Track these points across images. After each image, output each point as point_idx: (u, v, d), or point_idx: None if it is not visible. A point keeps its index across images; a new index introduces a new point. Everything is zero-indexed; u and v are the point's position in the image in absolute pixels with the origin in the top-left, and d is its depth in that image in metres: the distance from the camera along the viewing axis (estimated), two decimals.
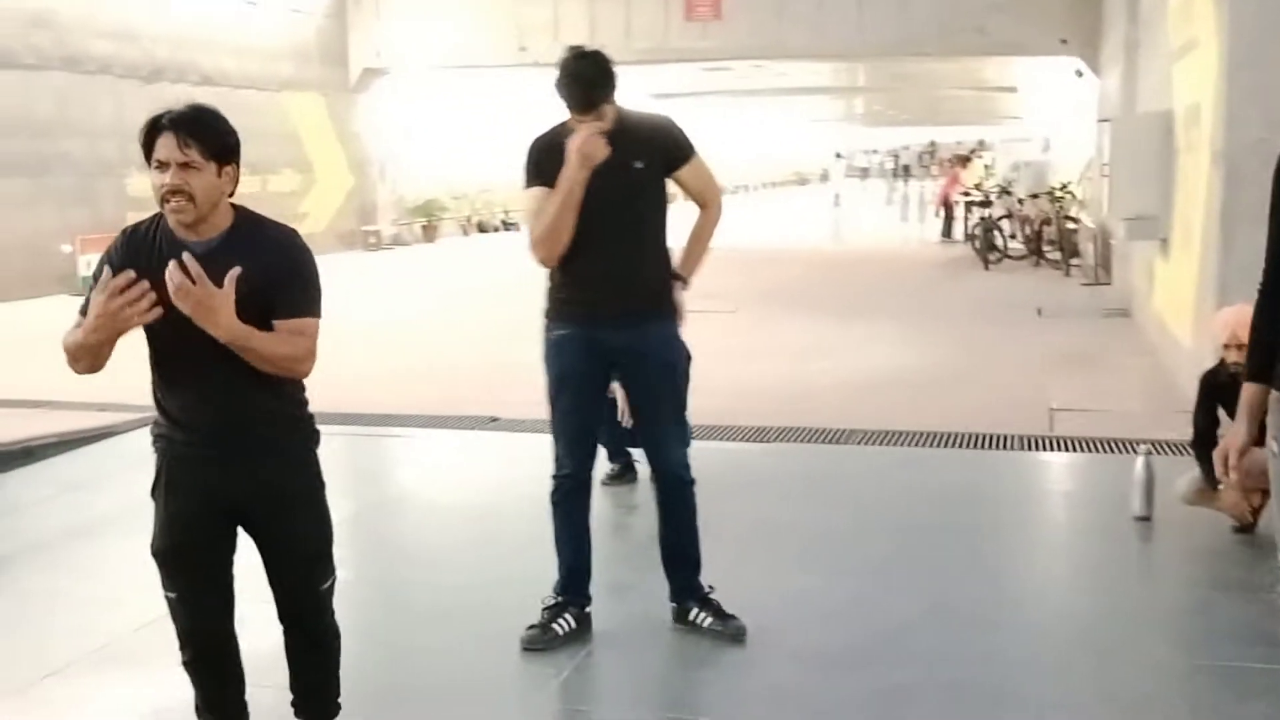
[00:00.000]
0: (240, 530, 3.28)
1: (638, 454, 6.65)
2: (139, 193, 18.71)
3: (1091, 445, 7.23)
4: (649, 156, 4.20)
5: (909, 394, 9.35)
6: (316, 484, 3.31)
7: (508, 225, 30.44)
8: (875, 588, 5.04)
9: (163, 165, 2.99)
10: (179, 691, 3.51)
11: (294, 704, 3.49)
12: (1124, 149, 10.18)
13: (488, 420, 8.37)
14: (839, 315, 13.81)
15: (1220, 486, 5.32)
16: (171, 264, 2.91)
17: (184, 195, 2.99)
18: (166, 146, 3.00)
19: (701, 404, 7.57)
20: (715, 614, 4.47)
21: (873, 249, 24.76)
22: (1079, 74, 20.17)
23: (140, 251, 3.05)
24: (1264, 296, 3.18)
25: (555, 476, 4.49)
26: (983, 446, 7.45)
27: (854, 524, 5.90)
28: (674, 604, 4.57)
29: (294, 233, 3.29)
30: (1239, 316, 5.49)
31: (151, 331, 3.04)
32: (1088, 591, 5.10)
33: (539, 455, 7.26)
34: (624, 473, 6.66)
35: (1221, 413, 5.44)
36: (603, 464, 6.53)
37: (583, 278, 4.23)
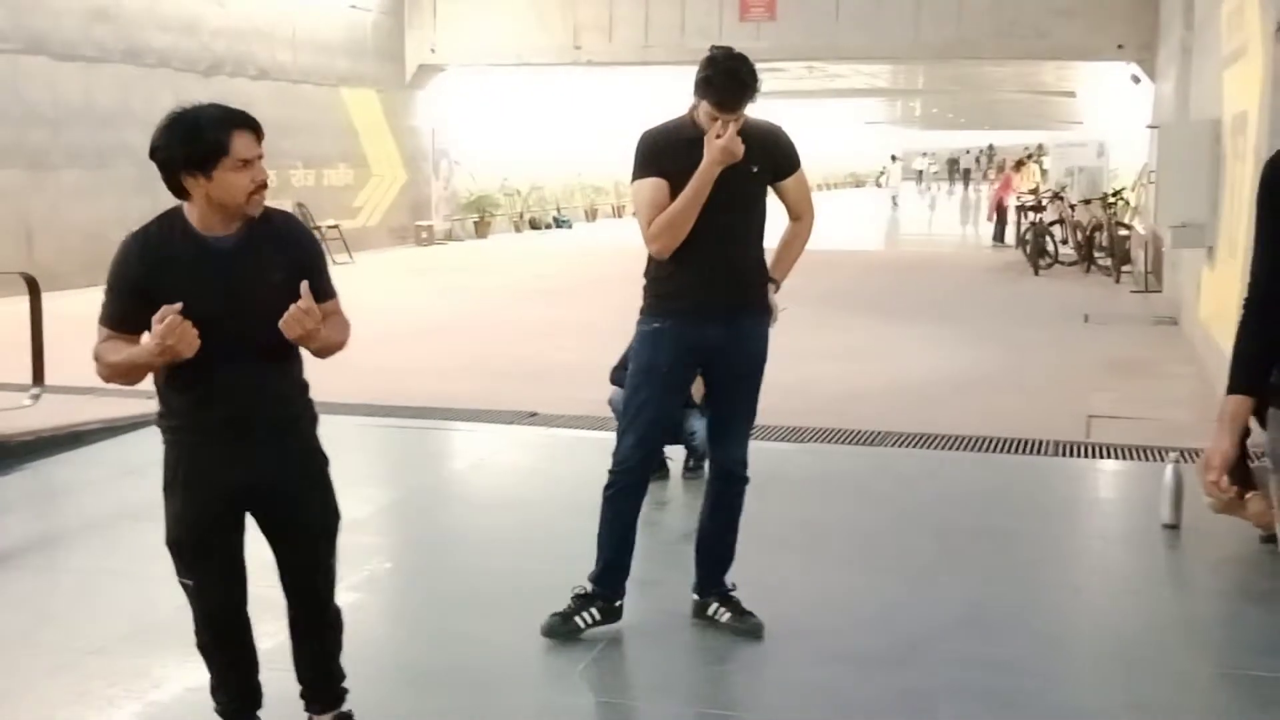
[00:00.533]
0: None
1: (671, 451, 6.75)
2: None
3: (1126, 453, 7.21)
4: (763, 162, 4.29)
5: (951, 397, 9.35)
6: (324, 463, 3.42)
7: (559, 223, 30.61)
8: (907, 590, 5.07)
9: (248, 162, 3.10)
10: None
11: (304, 694, 3.57)
12: (1172, 155, 10.12)
13: (527, 415, 8.47)
14: (889, 317, 13.80)
15: (1248, 496, 5.31)
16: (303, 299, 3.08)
17: (264, 189, 3.17)
18: (249, 144, 3.12)
19: (778, 404, 7.67)
20: (734, 610, 4.52)
21: (927, 252, 24.70)
22: (1135, 80, 20.01)
23: (164, 253, 3.14)
24: (1250, 308, 3.14)
25: (616, 471, 4.47)
26: (1019, 451, 7.46)
27: (890, 526, 5.94)
28: (695, 596, 4.63)
29: (295, 217, 3.43)
30: None
31: None
32: (1115, 598, 5.11)
33: (577, 451, 7.47)
34: (657, 469, 6.71)
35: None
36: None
37: (691, 273, 4.28)
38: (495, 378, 10.18)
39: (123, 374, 3.14)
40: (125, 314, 3.14)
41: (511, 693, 4.10)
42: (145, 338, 3.04)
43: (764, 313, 4.43)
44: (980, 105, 47.64)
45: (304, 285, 3.10)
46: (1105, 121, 27.31)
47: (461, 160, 25.97)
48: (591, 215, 33.77)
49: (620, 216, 35.78)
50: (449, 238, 25.19)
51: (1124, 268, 17.32)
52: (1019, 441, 7.63)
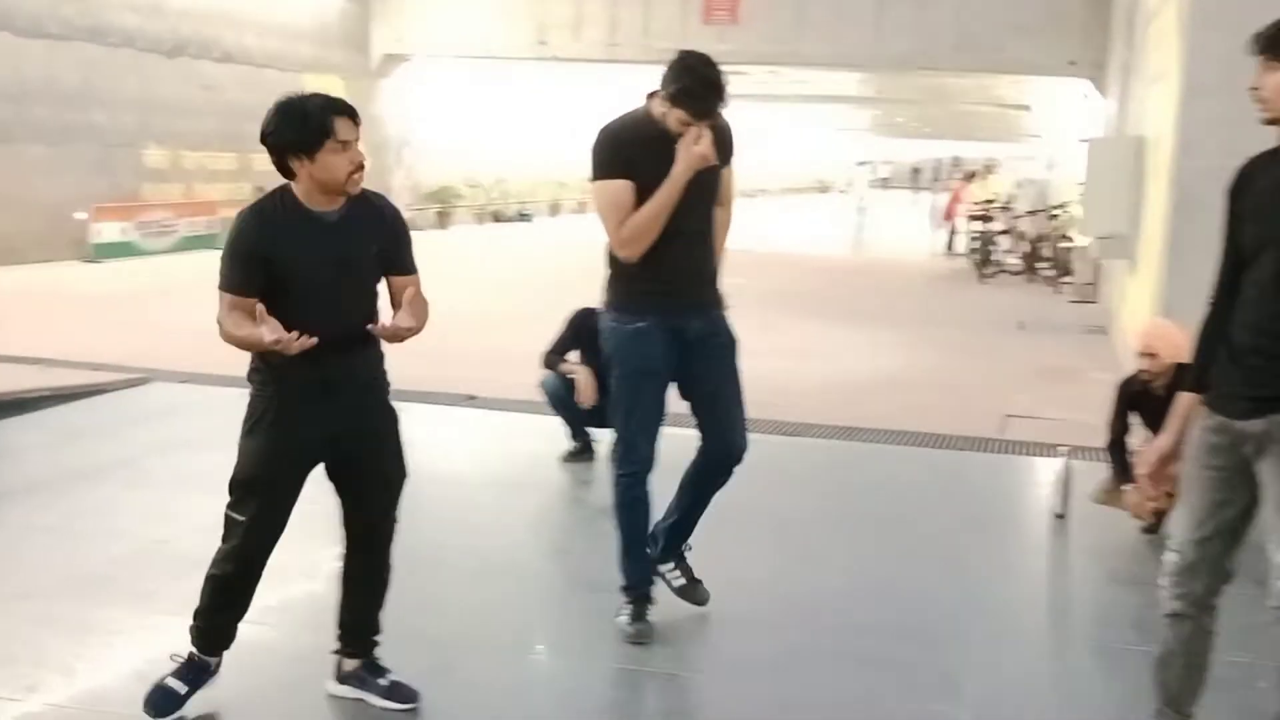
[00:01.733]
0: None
1: (596, 434, 7.06)
2: (156, 164, 19.19)
3: (1030, 449, 7.59)
4: (721, 156, 4.34)
5: (883, 394, 9.71)
6: (397, 419, 3.77)
7: (522, 216, 30.83)
8: (809, 566, 5.41)
9: (348, 144, 3.41)
10: (158, 614, 3.88)
11: (341, 638, 3.88)
12: (1099, 170, 10.50)
13: (466, 398, 8.76)
14: (835, 319, 14.14)
15: (1125, 488, 5.67)
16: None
17: (362, 170, 3.48)
18: (347, 128, 3.43)
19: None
20: (687, 576, 4.71)
21: (881, 258, 25.10)
22: (1086, 96, 20.46)
23: (279, 224, 3.47)
24: (1213, 310, 3.35)
25: (630, 473, 4.44)
26: (937, 447, 7.81)
27: (803, 510, 6.28)
28: (659, 564, 4.72)
29: (387, 197, 3.75)
30: (1153, 329, 5.86)
31: (285, 297, 3.45)
32: (1000, 579, 5.44)
33: (512, 432, 7.78)
34: (583, 451, 7.02)
35: (1135, 418, 5.81)
36: (562, 442, 6.96)
37: (667, 270, 4.27)
38: (440, 363, 10.40)
39: (241, 345, 3.45)
40: (247, 279, 3.45)
41: (469, 653, 4.40)
42: (263, 329, 3.32)
43: (724, 302, 4.52)
44: (944, 116, 48.12)
45: (379, 327, 3.50)
46: (1059, 136, 27.83)
47: (425, 150, 26.16)
48: (555, 210, 34.01)
49: (584, 212, 36.07)
50: (412, 226, 25.36)
51: (1065, 278, 17.75)
52: (938, 437, 7.98)
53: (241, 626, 3.84)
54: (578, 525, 6.12)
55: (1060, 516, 6.08)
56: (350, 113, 3.46)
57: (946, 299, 17.24)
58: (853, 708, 4.03)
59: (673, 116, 4.14)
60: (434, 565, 5.24)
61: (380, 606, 3.89)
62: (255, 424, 3.59)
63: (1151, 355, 5.66)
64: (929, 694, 4.09)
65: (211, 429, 7.59)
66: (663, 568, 4.71)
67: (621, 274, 4.35)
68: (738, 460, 4.50)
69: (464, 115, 28.20)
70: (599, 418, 6.97)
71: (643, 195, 4.17)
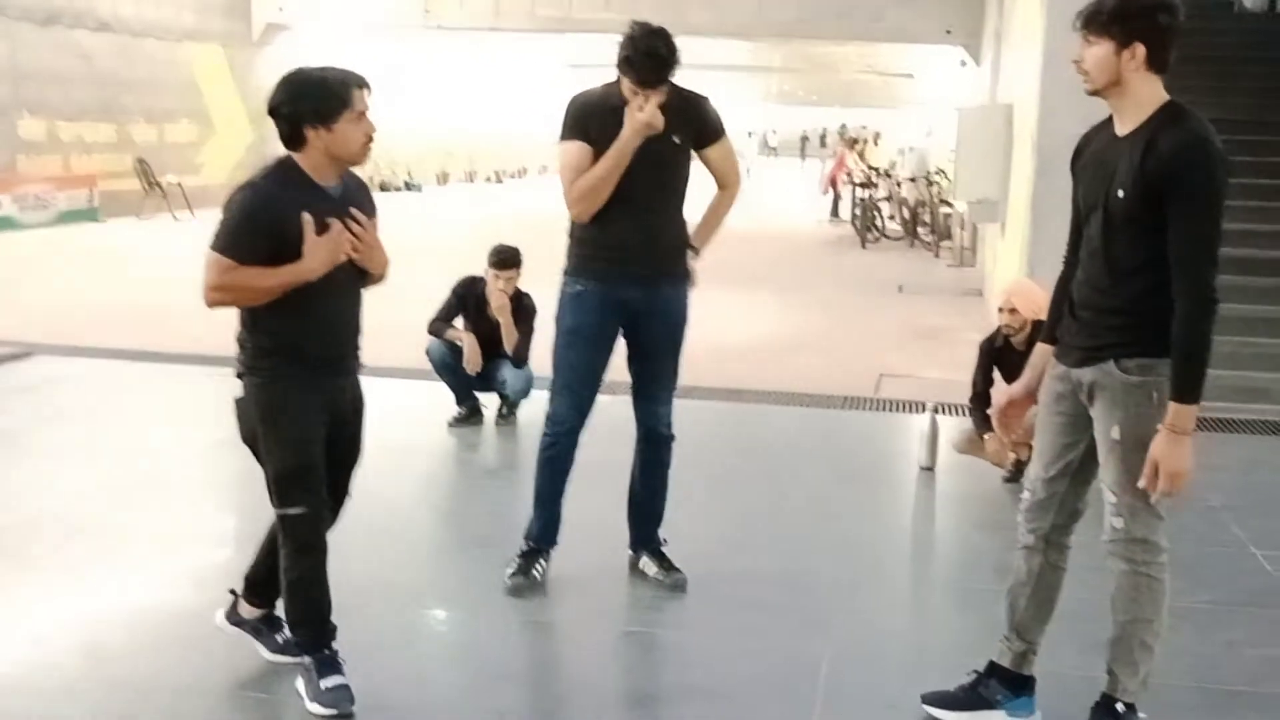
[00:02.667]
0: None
1: (483, 399, 7.20)
2: (30, 135, 18.75)
3: (902, 406, 7.89)
4: (684, 132, 4.38)
5: (765, 357, 9.98)
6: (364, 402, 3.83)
7: (409, 186, 30.64)
8: (684, 519, 5.60)
9: (363, 115, 3.49)
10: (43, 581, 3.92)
11: (251, 590, 3.91)
12: (969, 136, 10.85)
13: None
14: (721, 286, 14.25)
15: (985, 436, 5.97)
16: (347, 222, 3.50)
17: (372, 141, 3.54)
18: (362, 98, 3.50)
19: None
20: (661, 564, 4.74)
21: (769, 225, 25.41)
22: (963, 63, 20.92)
23: (292, 196, 3.46)
24: (1065, 269, 3.59)
25: (550, 432, 4.61)
26: (814, 406, 8.08)
27: (681, 466, 6.45)
28: (630, 552, 4.85)
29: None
30: (1014, 287, 6.16)
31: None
32: (868, 527, 5.69)
33: (400, 400, 7.87)
34: (470, 415, 7.15)
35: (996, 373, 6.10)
36: (451, 408, 7.09)
37: (611, 237, 4.39)
38: None
39: (269, 294, 3.44)
40: (255, 248, 3.41)
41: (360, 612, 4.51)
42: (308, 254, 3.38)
43: (684, 279, 4.56)
44: (831, 84, 48.70)
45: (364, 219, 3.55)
46: (940, 103, 28.38)
47: None
48: (443, 180, 33.84)
49: (472, 181, 35.94)
50: None
51: (944, 243, 18.22)
52: (817, 396, 8.25)
53: (166, 596, 3.87)
54: (466, 487, 6.28)
55: (928, 468, 6.37)
56: (365, 84, 3.52)
57: (830, 264, 17.61)
58: (724, 649, 4.23)
59: (624, 85, 4.27)
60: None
61: None
62: (278, 415, 3.55)
63: (1012, 311, 5.95)
64: (797, 634, 4.32)
65: (94, 401, 7.59)
66: (639, 563, 4.80)
67: (574, 238, 4.51)
68: (661, 431, 4.68)
69: None
70: (486, 383, 7.12)
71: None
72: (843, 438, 7.41)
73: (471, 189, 33.53)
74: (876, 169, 23.17)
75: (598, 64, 35.44)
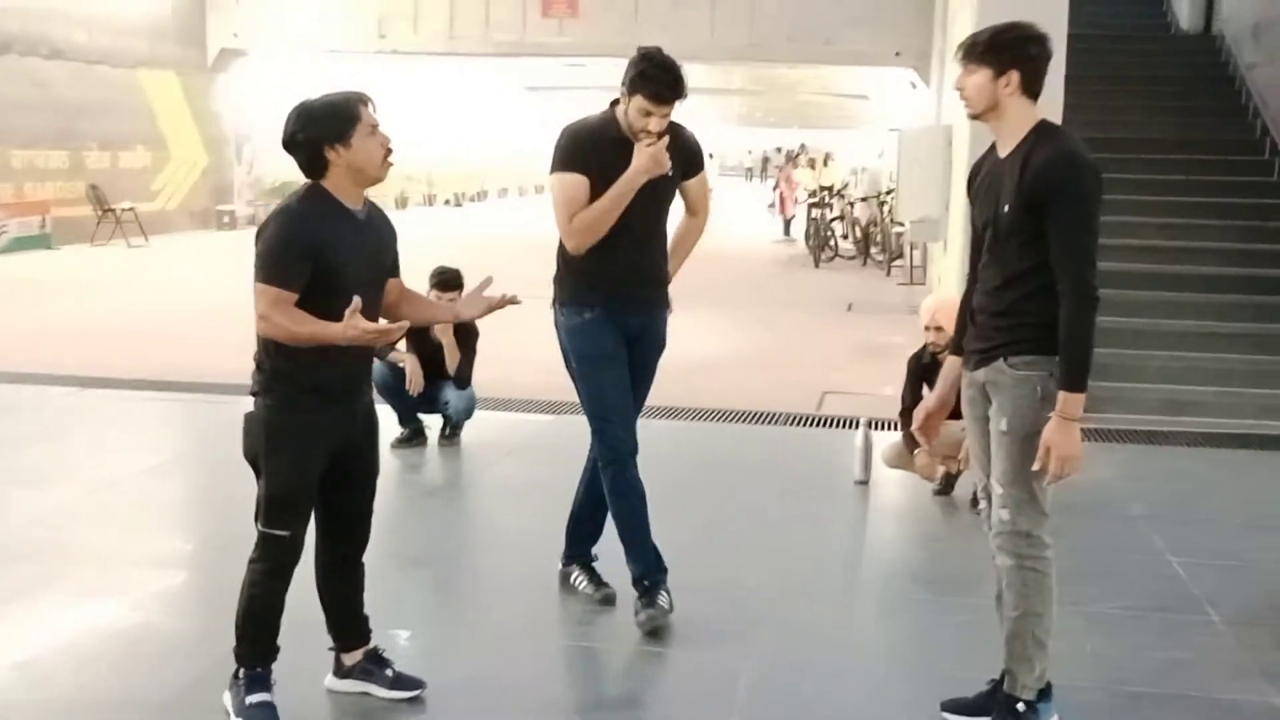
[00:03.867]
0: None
1: (426, 420, 7.29)
2: None
3: (843, 422, 8.04)
4: (677, 165, 4.44)
5: (713, 374, 10.10)
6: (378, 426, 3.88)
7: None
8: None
9: (375, 128, 3.54)
10: None
11: (337, 636, 3.95)
12: (911, 157, 11.05)
13: None
14: (675, 304, 14.50)
15: (915, 451, 6.11)
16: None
17: (391, 153, 3.59)
18: (370, 112, 3.55)
19: (530, 380, 8.26)
20: (592, 579, 4.81)
21: (724, 245, 25.58)
22: (913, 85, 21.20)
23: (326, 220, 3.51)
24: (968, 284, 3.81)
25: (613, 460, 4.55)
26: (757, 422, 8.23)
27: None
28: (562, 567, 4.91)
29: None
30: (937, 303, 6.31)
31: (327, 295, 3.45)
32: (805, 539, 5.82)
33: None
34: (413, 437, 7.24)
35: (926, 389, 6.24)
36: (394, 429, 7.17)
37: (615, 266, 4.42)
38: None
39: (300, 341, 3.46)
40: (298, 274, 3.44)
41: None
42: (351, 322, 3.34)
43: (666, 305, 4.67)
44: (789, 107, 49.07)
45: (356, 304, 3.39)
46: (894, 123, 28.66)
47: (266, 145, 25.86)
48: (402, 204, 33.86)
49: (431, 204, 35.97)
50: (252, 223, 25.08)
51: (895, 262, 18.43)
52: (761, 414, 8.40)
53: (131, 617, 3.95)
54: (406, 508, 6.34)
55: (862, 482, 6.51)
56: (369, 100, 3.57)
57: (782, 283, 17.79)
58: (649, 660, 4.35)
59: (633, 107, 4.26)
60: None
61: (363, 591, 3.96)
62: (282, 437, 3.59)
63: (938, 329, 6.10)
64: (727, 644, 4.44)
65: (43, 427, 7.63)
66: (571, 578, 4.86)
67: (570, 270, 4.50)
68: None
69: None
70: (429, 404, 7.22)
71: (597, 193, 4.32)
72: (784, 454, 7.55)
73: (431, 212, 33.58)
74: (829, 188, 23.40)
75: (554, 86, 35.34)
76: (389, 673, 3.94)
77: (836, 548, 5.85)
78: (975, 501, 6.06)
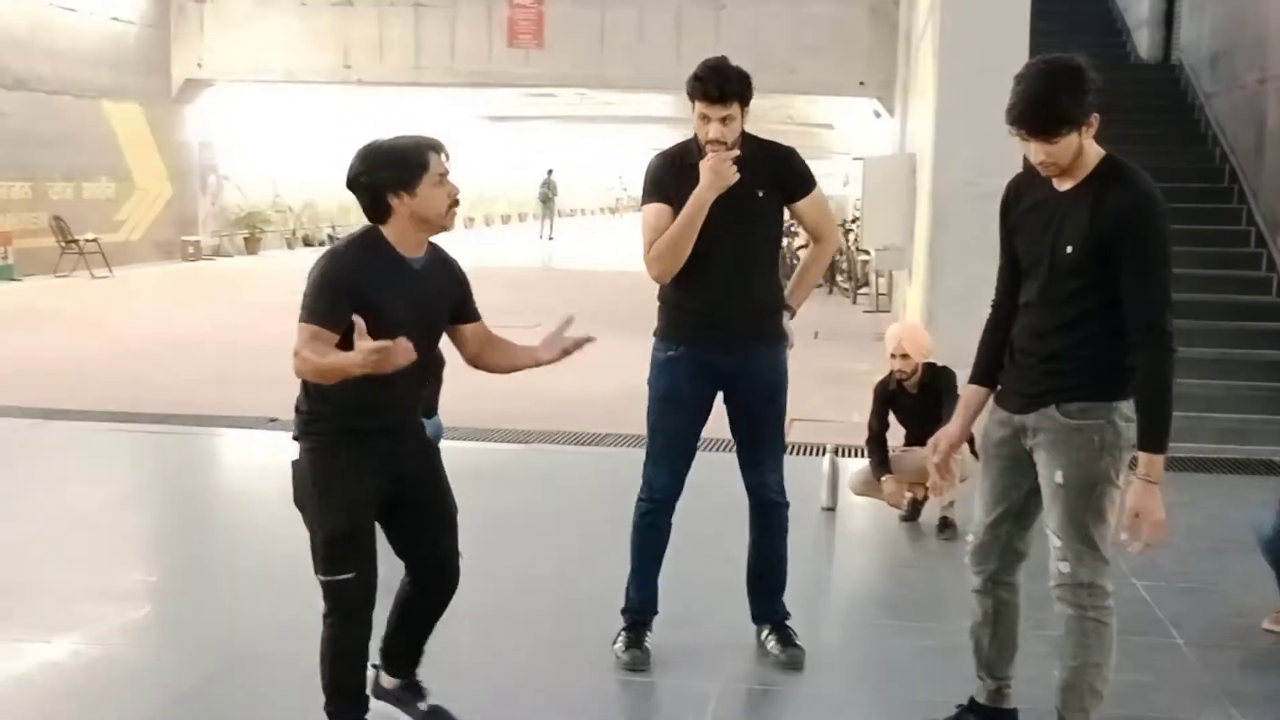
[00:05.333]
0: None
1: None
2: None
3: (810, 449, 8.05)
4: (770, 185, 4.25)
5: None
6: (441, 461, 3.80)
7: (334, 240, 30.54)
8: (575, 565, 5.72)
9: (444, 177, 3.48)
10: None
11: (388, 656, 3.85)
12: (874, 185, 11.13)
13: (268, 420, 8.85)
14: (637, 333, 14.50)
15: (883, 479, 6.13)
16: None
17: (457, 204, 3.55)
18: (441, 161, 3.49)
19: (479, 408, 8.24)
20: (781, 640, 4.54)
21: None
22: (877, 114, 21.38)
23: (374, 265, 3.46)
24: (995, 312, 3.67)
25: (646, 499, 4.51)
26: (722, 450, 8.20)
27: (582, 512, 6.59)
28: (755, 624, 4.66)
29: (447, 251, 3.76)
30: (903, 331, 6.35)
31: (366, 338, 3.34)
32: None
33: None
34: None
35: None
36: None
37: (697, 299, 4.26)
38: (244, 387, 10.49)
39: (323, 374, 3.34)
40: (338, 314, 3.33)
41: (255, 659, 4.56)
42: (356, 349, 3.23)
43: (778, 340, 4.41)
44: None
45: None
46: (859, 152, 28.89)
47: (230, 175, 25.81)
48: None
49: None
50: (217, 253, 24.99)
51: (861, 289, 18.52)
52: (723, 441, 8.34)
53: (92, 651, 3.94)
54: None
55: (829, 509, 6.52)
56: (441, 148, 3.51)
57: None
58: (613, 690, 4.34)
59: (695, 119, 4.19)
60: (224, 576, 5.43)
61: (432, 630, 3.88)
62: (326, 479, 3.48)
63: (904, 357, 6.14)
64: (685, 672, 4.45)
65: (2, 460, 7.56)
66: (761, 635, 4.61)
67: (663, 301, 4.40)
68: (772, 498, 4.58)
69: (271, 139, 27.89)
70: None
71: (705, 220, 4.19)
72: (737, 481, 7.52)
73: None
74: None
75: (518, 116, 35.35)
76: (423, 706, 3.86)
77: (803, 574, 5.80)
78: (942, 528, 6.10)
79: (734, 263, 4.23)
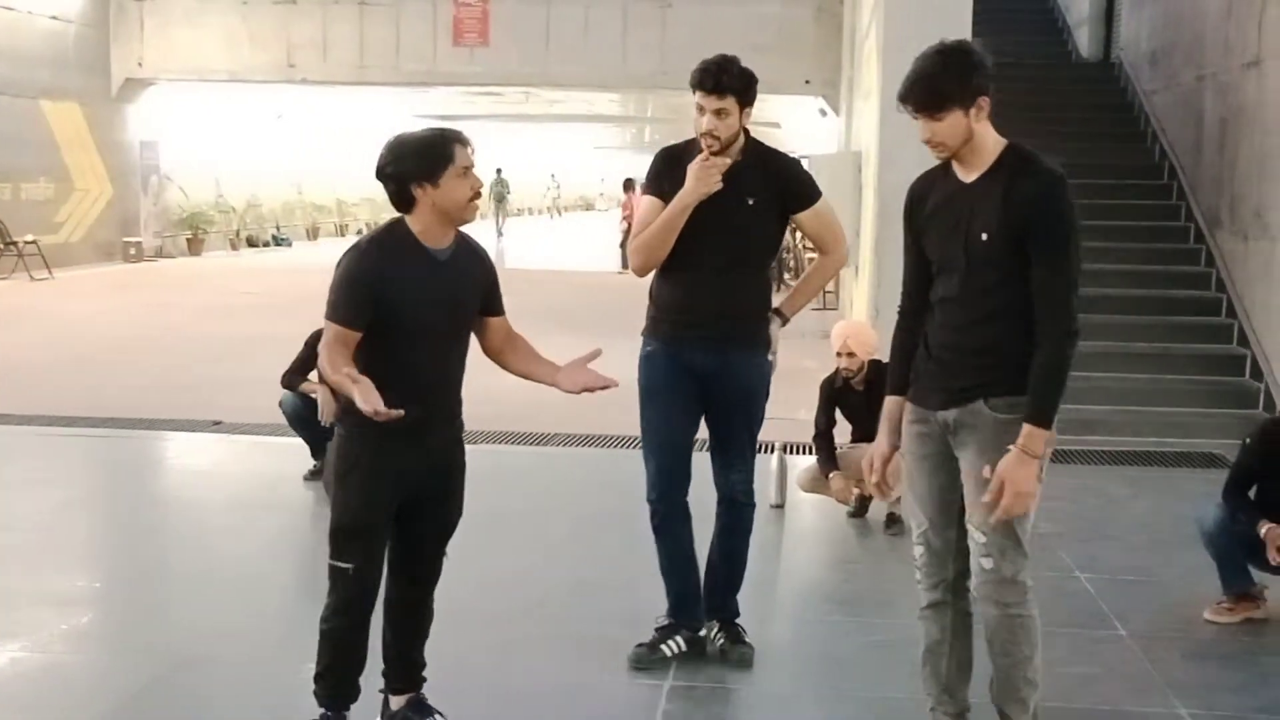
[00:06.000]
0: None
1: None
2: None
3: (757, 447, 8.06)
4: (765, 194, 4.20)
5: (628, 403, 10.08)
6: (464, 466, 3.80)
7: (278, 241, 30.32)
8: (537, 563, 5.71)
9: (468, 170, 3.49)
10: None
11: (387, 673, 3.85)
12: (820, 184, 11.13)
13: (212, 423, 8.77)
14: (592, 332, 14.43)
15: (830, 475, 6.16)
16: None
17: (479, 196, 3.56)
18: (465, 154, 3.50)
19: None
20: (729, 637, 4.53)
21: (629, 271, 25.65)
22: (823, 113, 21.47)
23: (399, 260, 3.49)
24: (903, 318, 3.62)
25: (652, 500, 4.46)
26: None
27: (536, 512, 6.60)
28: (705, 619, 4.60)
29: (477, 240, 3.75)
30: (848, 329, 6.39)
31: (394, 333, 3.45)
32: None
33: (254, 453, 7.86)
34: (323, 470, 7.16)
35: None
36: (306, 461, 7.08)
37: (677, 299, 4.26)
38: (188, 390, 10.38)
39: (330, 383, 3.43)
40: (359, 312, 3.43)
41: (200, 665, 4.51)
42: (355, 391, 3.25)
43: (755, 345, 4.32)
44: None
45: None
46: (805, 150, 28.98)
47: (173, 176, 25.51)
48: (313, 234, 33.53)
49: (344, 235, 35.67)
50: (159, 254, 24.69)
51: None
52: None
53: (34, 658, 3.86)
54: (319, 540, 6.23)
55: (777, 506, 6.54)
56: (467, 141, 3.54)
57: None
58: (565, 688, 4.33)
59: (695, 111, 4.18)
60: (168, 581, 5.37)
61: (425, 639, 3.88)
62: (351, 469, 3.55)
63: (850, 355, 6.18)
64: (647, 668, 4.43)
65: None
66: (711, 632, 4.58)
67: (650, 298, 4.43)
68: (737, 498, 4.50)
69: (214, 139, 27.60)
70: None
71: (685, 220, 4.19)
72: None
73: (343, 243, 33.30)
74: None
75: (464, 115, 35.23)
76: None
77: (752, 571, 5.77)
78: (889, 523, 6.14)
79: (717, 266, 4.20)
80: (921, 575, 3.58)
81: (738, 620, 4.59)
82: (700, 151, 4.20)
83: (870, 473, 3.68)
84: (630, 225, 24.99)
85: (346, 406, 3.51)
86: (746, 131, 4.32)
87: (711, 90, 4.15)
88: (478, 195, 3.57)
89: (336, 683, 3.68)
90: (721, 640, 4.53)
